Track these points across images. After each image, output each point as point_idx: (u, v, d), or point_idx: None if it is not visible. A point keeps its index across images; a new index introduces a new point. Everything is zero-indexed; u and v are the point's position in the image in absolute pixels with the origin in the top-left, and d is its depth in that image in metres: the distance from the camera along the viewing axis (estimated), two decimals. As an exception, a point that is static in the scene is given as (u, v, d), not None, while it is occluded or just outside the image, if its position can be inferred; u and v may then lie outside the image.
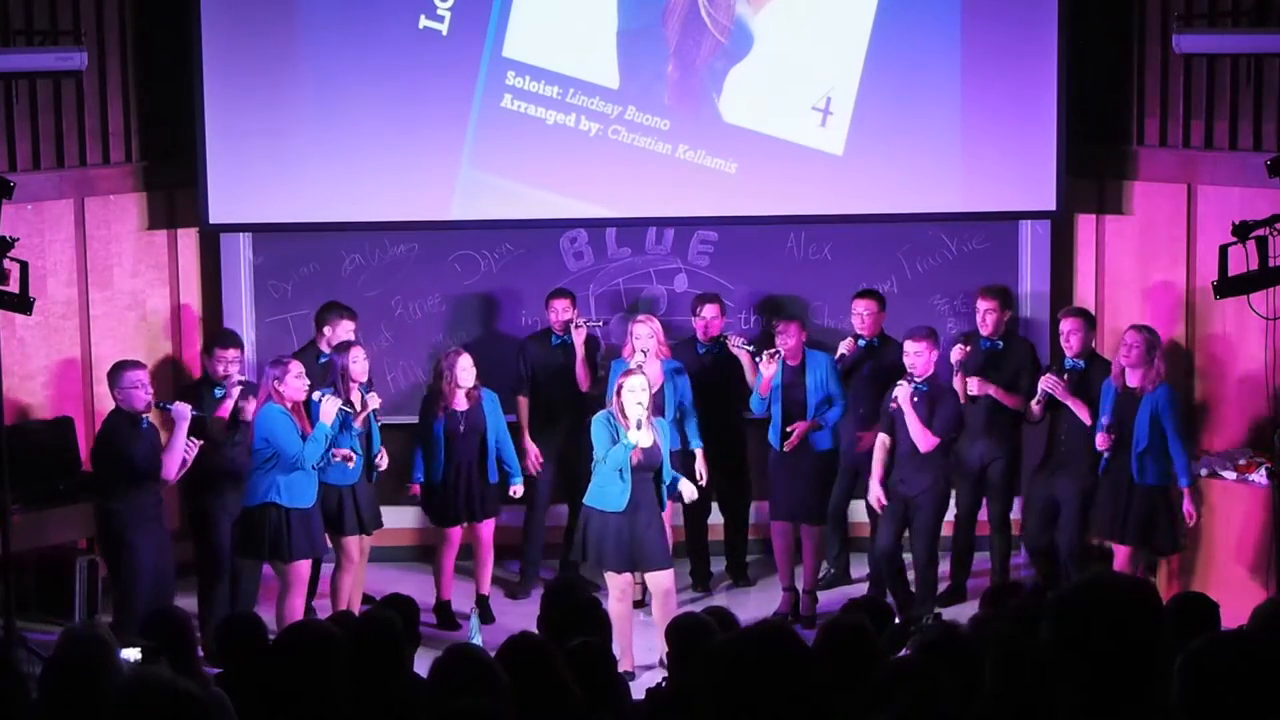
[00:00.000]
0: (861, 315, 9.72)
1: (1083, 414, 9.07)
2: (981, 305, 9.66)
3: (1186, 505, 8.85)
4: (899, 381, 9.10)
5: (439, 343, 10.30)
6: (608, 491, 8.59)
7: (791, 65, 10.11)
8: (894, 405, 9.09)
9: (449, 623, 9.47)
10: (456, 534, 9.54)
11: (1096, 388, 9.11)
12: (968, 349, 9.48)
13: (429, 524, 9.82)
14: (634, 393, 8.53)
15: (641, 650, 8.66)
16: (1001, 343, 9.66)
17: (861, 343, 9.69)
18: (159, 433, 8.71)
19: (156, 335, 10.23)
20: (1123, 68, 10.19)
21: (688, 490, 9.00)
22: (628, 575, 8.69)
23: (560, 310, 9.88)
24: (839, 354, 9.62)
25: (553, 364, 9.94)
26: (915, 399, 9.06)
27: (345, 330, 9.52)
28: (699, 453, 9.55)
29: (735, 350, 9.62)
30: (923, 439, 9.03)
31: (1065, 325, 9.37)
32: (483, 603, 9.56)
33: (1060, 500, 9.29)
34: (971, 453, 9.63)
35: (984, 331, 9.65)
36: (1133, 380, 8.84)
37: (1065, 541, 9.28)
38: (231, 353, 9.19)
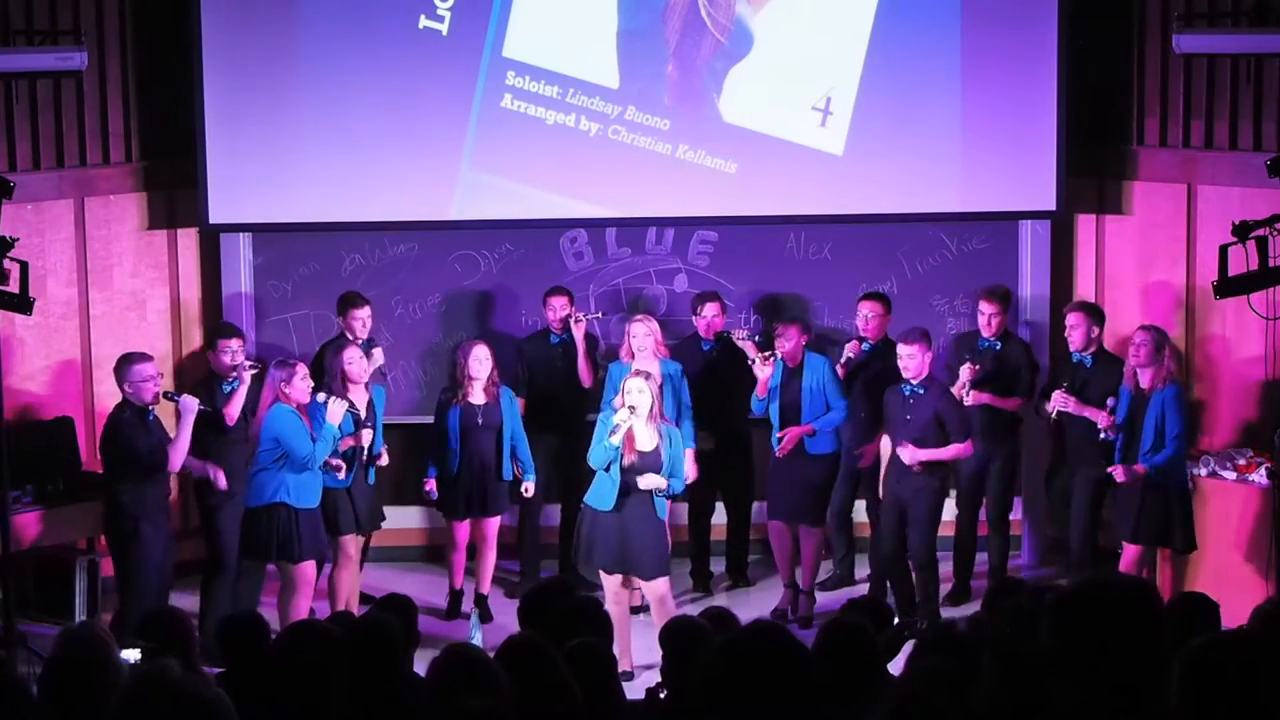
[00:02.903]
0: (866, 317, 9.69)
1: (1098, 419, 9.10)
2: (986, 309, 9.66)
3: (1126, 470, 8.76)
4: (897, 386, 9.11)
5: (439, 343, 10.30)
6: (600, 490, 8.59)
7: (791, 65, 10.11)
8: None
9: (458, 611, 9.53)
10: (463, 530, 9.52)
11: (1103, 384, 9.13)
12: (977, 368, 9.48)
13: (434, 523, 9.79)
14: (630, 394, 8.48)
15: (642, 650, 8.64)
16: (1000, 343, 9.68)
17: (866, 346, 9.67)
18: (164, 426, 8.71)
19: (156, 335, 10.23)
20: (1123, 68, 10.19)
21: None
22: (619, 577, 8.64)
23: (558, 308, 9.86)
24: (844, 357, 9.59)
25: (552, 363, 9.93)
26: (912, 401, 9.06)
27: (358, 319, 9.54)
28: (689, 453, 9.43)
29: (740, 344, 9.60)
30: (958, 449, 9.06)
31: (1071, 319, 9.42)
32: (481, 602, 9.55)
33: (1072, 495, 9.38)
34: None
35: (986, 333, 9.67)
36: (1144, 380, 8.85)
37: (1074, 536, 9.35)
38: (235, 342, 9.22)
